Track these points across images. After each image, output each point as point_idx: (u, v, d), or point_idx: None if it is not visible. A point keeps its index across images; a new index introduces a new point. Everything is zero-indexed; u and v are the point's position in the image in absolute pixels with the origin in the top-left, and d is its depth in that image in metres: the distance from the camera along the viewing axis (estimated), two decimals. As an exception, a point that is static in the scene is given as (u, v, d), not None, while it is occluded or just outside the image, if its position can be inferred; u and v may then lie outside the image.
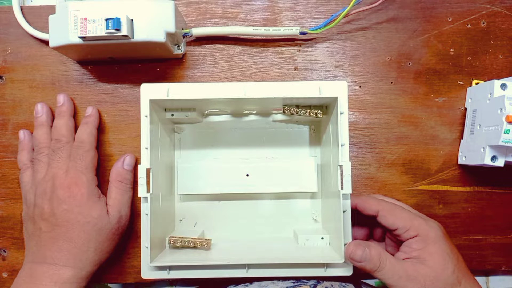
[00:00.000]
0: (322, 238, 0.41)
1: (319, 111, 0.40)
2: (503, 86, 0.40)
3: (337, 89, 0.39)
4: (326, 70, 0.46)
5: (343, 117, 0.38)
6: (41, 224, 0.39)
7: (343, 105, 0.38)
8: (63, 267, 0.38)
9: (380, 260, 0.34)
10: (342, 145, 0.37)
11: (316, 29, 0.44)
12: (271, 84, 0.40)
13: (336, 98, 0.37)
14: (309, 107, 0.41)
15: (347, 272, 0.38)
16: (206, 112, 0.44)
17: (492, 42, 0.46)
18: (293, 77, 0.46)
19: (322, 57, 0.46)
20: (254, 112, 0.44)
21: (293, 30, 0.44)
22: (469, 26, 0.46)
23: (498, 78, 0.45)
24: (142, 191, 0.37)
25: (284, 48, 0.46)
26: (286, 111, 0.41)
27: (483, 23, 0.46)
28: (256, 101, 0.40)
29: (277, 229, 0.44)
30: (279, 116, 0.44)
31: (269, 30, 0.44)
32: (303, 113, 0.40)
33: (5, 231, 0.45)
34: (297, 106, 0.41)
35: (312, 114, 0.40)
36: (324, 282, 0.38)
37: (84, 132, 0.42)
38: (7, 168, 0.45)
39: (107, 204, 0.41)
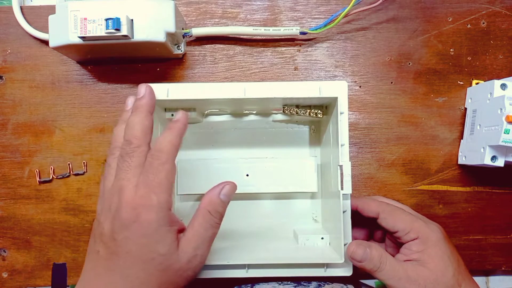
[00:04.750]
0: (322, 238, 0.41)
1: (319, 111, 0.40)
2: (503, 86, 0.40)
3: (337, 89, 0.39)
4: (326, 70, 0.46)
5: (343, 117, 0.38)
6: (100, 246, 0.32)
7: (343, 105, 0.38)
8: None
9: (380, 261, 0.34)
10: (342, 145, 0.37)
11: (316, 29, 0.44)
12: (271, 84, 0.40)
13: (336, 98, 0.37)
14: (309, 107, 0.41)
15: (347, 272, 0.38)
16: (206, 112, 0.44)
17: (492, 42, 0.46)
18: (293, 77, 0.46)
19: (322, 57, 0.46)
20: (254, 112, 0.44)
21: (293, 30, 0.44)
22: (469, 26, 0.46)
23: (498, 78, 0.45)
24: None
25: (284, 48, 0.46)
26: (286, 111, 0.41)
27: (483, 23, 0.46)
28: (256, 101, 0.40)
29: (277, 229, 0.44)
30: (279, 116, 0.44)
31: (269, 30, 0.44)
32: (303, 113, 0.40)
33: (5, 231, 0.45)
34: (297, 106, 0.41)
35: (312, 114, 0.40)
36: (326, 285, 0.38)
37: (164, 140, 0.32)
38: (7, 168, 0.45)
39: (181, 234, 0.33)
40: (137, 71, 0.46)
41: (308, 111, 0.40)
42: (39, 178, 0.45)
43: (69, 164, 0.45)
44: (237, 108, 0.43)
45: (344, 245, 0.36)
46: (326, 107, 0.41)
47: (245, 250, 0.40)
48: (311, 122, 0.45)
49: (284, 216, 0.45)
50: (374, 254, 0.34)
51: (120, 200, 0.31)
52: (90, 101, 0.45)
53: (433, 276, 0.34)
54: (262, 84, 0.39)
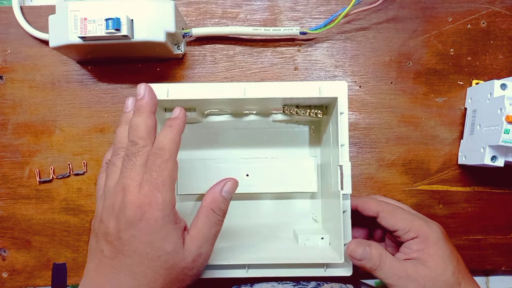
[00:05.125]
0: (322, 238, 0.41)
1: (319, 111, 0.41)
2: (503, 86, 0.40)
3: (337, 89, 0.39)
4: (326, 70, 0.46)
5: (343, 117, 0.38)
6: (104, 246, 0.32)
7: (343, 105, 0.38)
8: None
9: (380, 260, 0.34)
10: (342, 145, 0.37)
11: (316, 29, 0.44)
12: (271, 84, 0.40)
13: (336, 98, 0.37)
14: (309, 107, 0.41)
15: (347, 272, 0.38)
16: (206, 112, 0.44)
17: (492, 42, 0.46)
18: (293, 77, 0.46)
19: (322, 57, 0.46)
20: (254, 112, 0.44)
21: (293, 30, 0.44)
22: (469, 26, 0.46)
23: (498, 78, 0.45)
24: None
25: (284, 48, 0.46)
26: (286, 111, 0.41)
27: (483, 23, 0.46)
28: (256, 101, 0.40)
29: (277, 229, 0.44)
30: (279, 116, 0.44)
31: (269, 30, 0.44)
32: (303, 113, 0.40)
33: (5, 231, 0.45)
34: (297, 106, 0.41)
35: (312, 114, 0.40)
36: (325, 284, 0.38)
37: (165, 137, 0.32)
38: (7, 168, 0.45)
39: (186, 232, 0.33)
40: (137, 71, 0.46)
41: (308, 111, 0.41)
42: (39, 178, 0.45)
43: (69, 164, 0.45)
44: (237, 108, 0.43)
45: (344, 245, 0.36)
46: (326, 107, 0.41)
47: (245, 250, 0.40)
48: (311, 122, 0.45)
49: (284, 216, 0.45)
50: (373, 252, 0.34)
51: (124, 198, 0.31)
52: (90, 101, 0.45)
53: (433, 274, 0.34)
54: (262, 84, 0.40)
